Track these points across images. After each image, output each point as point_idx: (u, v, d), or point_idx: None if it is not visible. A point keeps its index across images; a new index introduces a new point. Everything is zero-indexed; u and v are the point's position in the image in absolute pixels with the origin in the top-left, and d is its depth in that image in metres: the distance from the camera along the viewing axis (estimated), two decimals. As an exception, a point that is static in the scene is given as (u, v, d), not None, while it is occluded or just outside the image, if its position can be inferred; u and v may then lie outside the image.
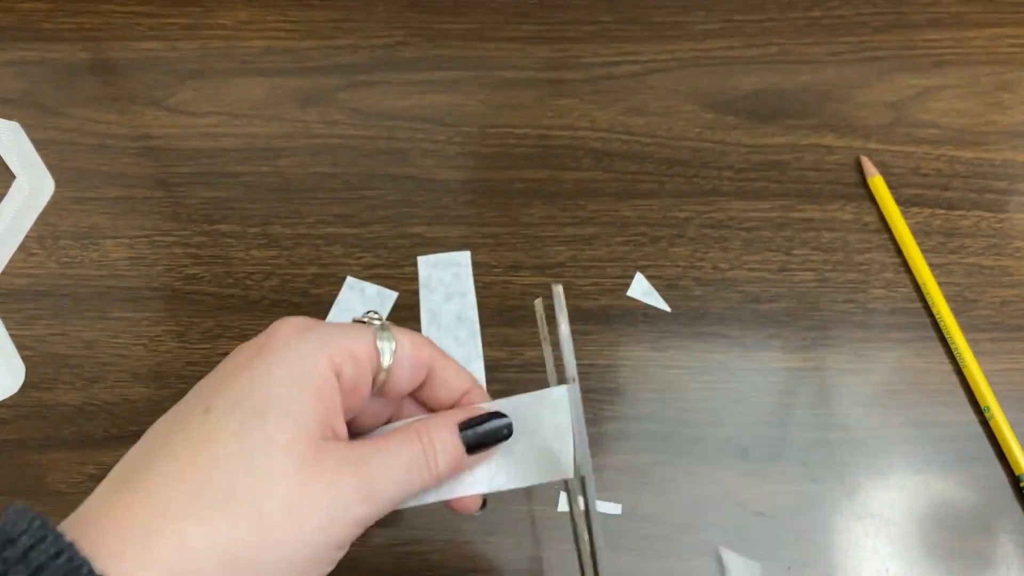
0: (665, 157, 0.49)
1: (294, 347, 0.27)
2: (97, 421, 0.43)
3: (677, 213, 0.48)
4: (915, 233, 0.47)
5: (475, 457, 0.30)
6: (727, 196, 0.48)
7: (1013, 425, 0.42)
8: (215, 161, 0.50)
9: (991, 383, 0.43)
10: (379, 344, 0.29)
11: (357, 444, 0.27)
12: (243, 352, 0.28)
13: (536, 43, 0.53)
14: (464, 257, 0.47)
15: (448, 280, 0.46)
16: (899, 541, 0.40)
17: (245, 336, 0.45)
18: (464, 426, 0.29)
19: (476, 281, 0.46)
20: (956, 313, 0.45)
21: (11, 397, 0.43)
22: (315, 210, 0.48)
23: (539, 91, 0.52)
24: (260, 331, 0.44)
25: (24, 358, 0.44)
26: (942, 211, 0.48)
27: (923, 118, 0.50)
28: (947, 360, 0.44)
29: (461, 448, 0.29)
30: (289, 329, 0.28)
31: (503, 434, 0.30)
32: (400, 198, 0.49)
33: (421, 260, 0.46)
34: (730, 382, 0.44)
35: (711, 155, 0.50)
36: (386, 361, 0.29)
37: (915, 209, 0.48)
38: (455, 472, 0.29)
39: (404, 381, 0.30)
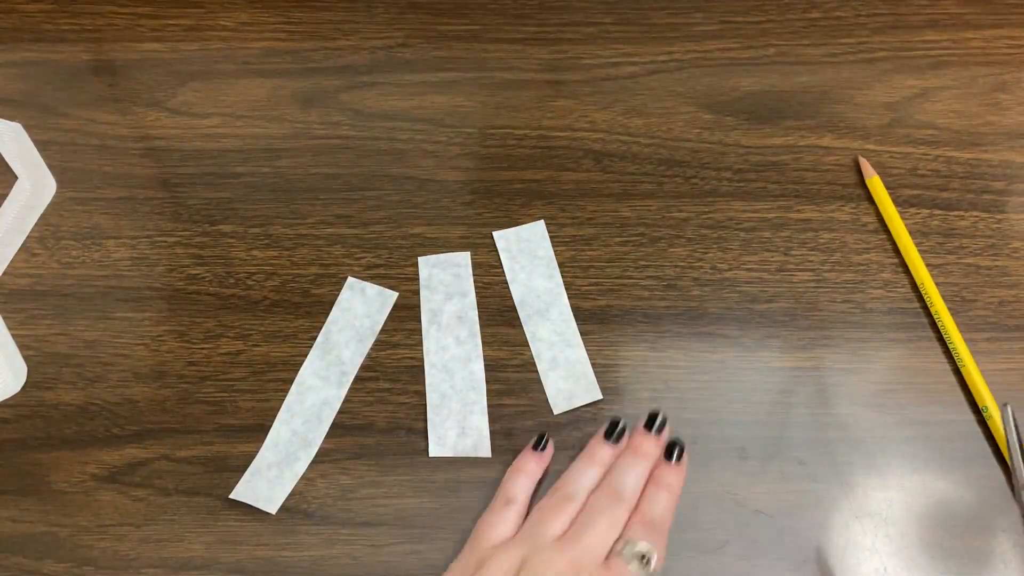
0: (664, 158, 0.50)
1: None
2: (99, 421, 0.43)
3: (676, 214, 0.48)
4: (913, 233, 0.47)
5: None
6: (726, 197, 0.49)
7: (1010, 424, 0.42)
8: (216, 162, 0.50)
9: (989, 383, 0.43)
10: None
11: None
12: None
13: (536, 45, 0.53)
14: (464, 258, 0.47)
15: (448, 280, 0.46)
16: (897, 540, 0.40)
17: (246, 336, 0.45)
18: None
19: (476, 281, 0.46)
20: (954, 313, 0.45)
21: (13, 397, 0.43)
22: (316, 210, 0.48)
23: (539, 92, 0.52)
24: (261, 331, 0.45)
25: (26, 358, 0.44)
26: (940, 211, 0.48)
27: (921, 119, 0.51)
28: (945, 360, 0.44)
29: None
30: None
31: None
32: (401, 199, 0.49)
33: (422, 260, 0.47)
34: (729, 382, 0.44)
35: (710, 156, 0.50)
36: None
37: (913, 210, 0.48)
38: None
39: None
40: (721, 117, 0.51)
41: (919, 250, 0.46)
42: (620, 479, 0.40)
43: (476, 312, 0.45)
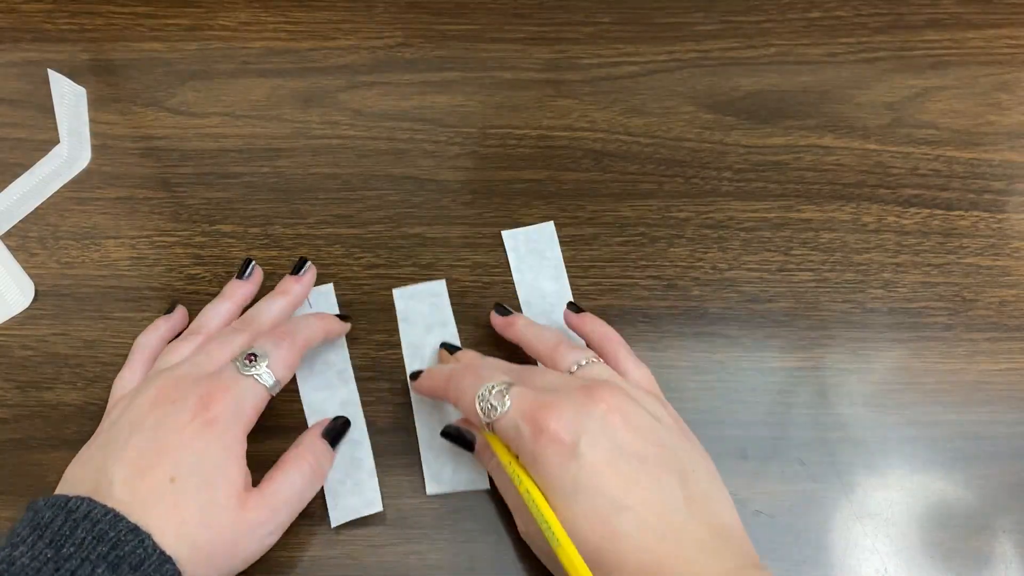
0: (664, 158, 0.50)
1: (223, 427, 0.35)
2: (98, 421, 0.43)
3: (676, 213, 0.48)
4: (914, 233, 0.47)
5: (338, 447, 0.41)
6: (726, 196, 0.49)
7: (1011, 425, 0.42)
8: (216, 162, 0.50)
9: (989, 383, 0.43)
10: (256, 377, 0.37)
11: (265, 488, 0.36)
12: (182, 415, 0.35)
13: (536, 44, 0.53)
14: (440, 286, 0.46)
15: (426, 311, 0.45)
16: (898, 540, 0.40)
17: (246, 336, 0.45)
18: (326, 432, 0.40)
19: (476, 282, 0.46)
20: (954, 313, 0.45)
21: (13, 397, 0.43)
22: (316, 210, 0.48)
23: (539, 92, 0.52)
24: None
25: (26, 358, 0.44)
26: (940, 211, 0.48)
27: (921, 119, 0.51)
28: (945, 360, 0.44)
29: (332, 450, 0.40)
30: (220, 410, 0.35)
31: (347, 427, 0.41)
32: (400, 198, 0.49)
33: (396, 292, 0.46)
34: (729, 382, 0.44)
35: (710, 156, 0.50)
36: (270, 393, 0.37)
37: (913, 209, 0.48)
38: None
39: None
40: (721, 117, 0.51)
41: (920, 250, 0.46)
42: (253, 311, 0.41)
43: (459, 341, 0.45)
